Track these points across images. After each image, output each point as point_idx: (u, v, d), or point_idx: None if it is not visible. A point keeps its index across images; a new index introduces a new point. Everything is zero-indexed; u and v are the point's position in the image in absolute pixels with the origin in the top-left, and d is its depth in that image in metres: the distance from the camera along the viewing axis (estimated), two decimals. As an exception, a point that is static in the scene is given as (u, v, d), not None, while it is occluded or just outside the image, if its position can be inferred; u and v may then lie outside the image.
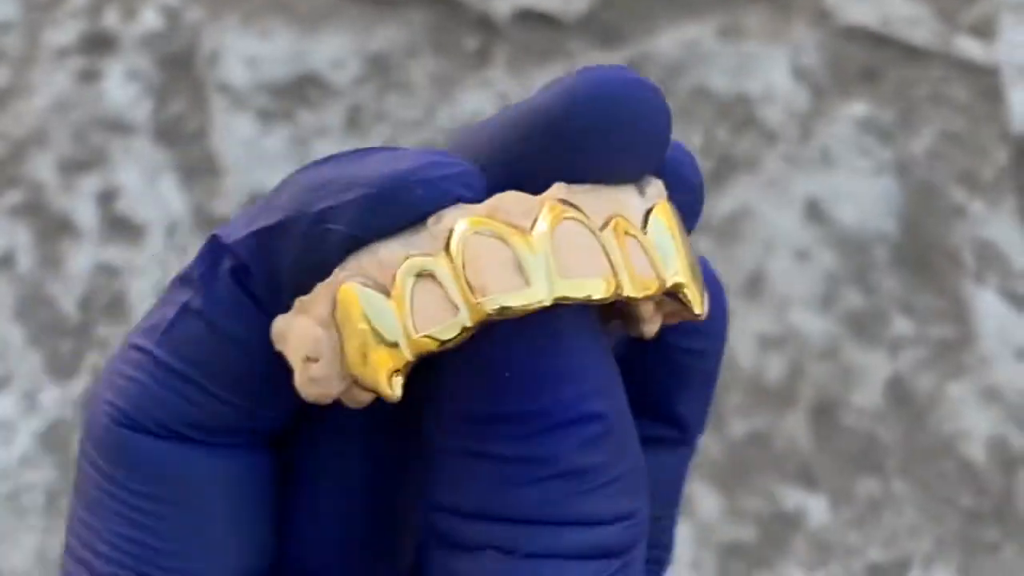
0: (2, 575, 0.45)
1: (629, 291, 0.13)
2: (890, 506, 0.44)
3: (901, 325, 0.45)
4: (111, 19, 0.51)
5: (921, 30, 0.51)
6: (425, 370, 0.13)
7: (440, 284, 0.13)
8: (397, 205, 0.13)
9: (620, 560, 0.13)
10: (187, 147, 0.50)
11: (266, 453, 0.15)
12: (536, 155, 0.13)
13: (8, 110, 0.50)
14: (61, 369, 0.46)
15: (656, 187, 0.14)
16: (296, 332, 0.14)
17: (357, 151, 0.14)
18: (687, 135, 0.49)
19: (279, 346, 0.14)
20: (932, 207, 0.48)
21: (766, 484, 0.43)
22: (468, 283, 0.12)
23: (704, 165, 0.48)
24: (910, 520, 0.44)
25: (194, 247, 0.48)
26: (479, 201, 0.13)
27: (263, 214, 0.14)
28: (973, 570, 0.43)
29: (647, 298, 0.13)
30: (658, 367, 0.17)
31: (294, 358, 0.14)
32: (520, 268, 0.12)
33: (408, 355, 0.13)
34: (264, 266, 0.14)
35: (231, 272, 0.14)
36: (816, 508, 0.43)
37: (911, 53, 0.50)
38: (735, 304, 0.45)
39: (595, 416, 0.13)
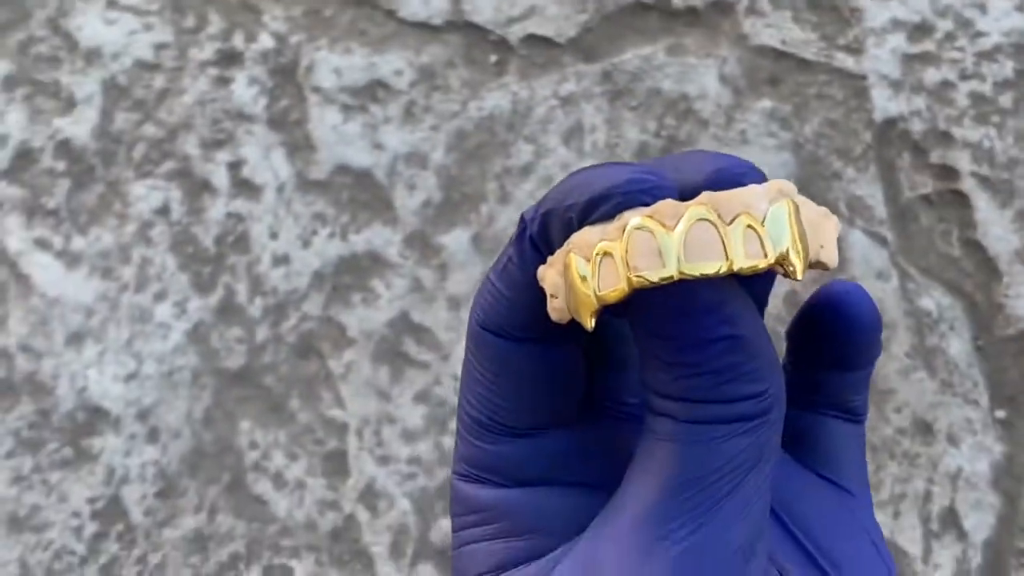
0: (160, 430, 0.50)
1: (740, 267, 0.14)
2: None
3: (796, 256, 0.51)
4: (238, 41, 0.55)
5: (811, 48, 0.54)
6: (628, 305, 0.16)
7: (614, 261, 0.15)
8: (604, 206, 0.15)
9: (754, 422, 0.16)
10: (291, 131, 0.53)
11: (562, 344, 0.18)
12: None
13: (165, 105, 0.54)
14: (202, 286, 0.51)
15: (780, 187, 0.15)
16: (547, 277, 0.16)
17: (605, 164, 0.16)
18: (645, 123, 0.52)
19: (541, 283, 0.17)
20: (818, 172, 0.51)
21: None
22: (627, 262, 0.14)
23: (657, 144, 0.52)
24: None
25: (296, 201, 0.52)
26: None
27: (545, 201, 0.16)
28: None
29: (761, 268, 0.14)
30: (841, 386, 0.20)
31: (547, 293, 0.16)
32: (660, 254, 0.14)
33: (597, 304, 0.15)
34: (543, 234, 0.17)
35: (528, 237, 0.17)
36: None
37: (803, 64, 0.53)
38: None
39: (727, 336, 0.15)
